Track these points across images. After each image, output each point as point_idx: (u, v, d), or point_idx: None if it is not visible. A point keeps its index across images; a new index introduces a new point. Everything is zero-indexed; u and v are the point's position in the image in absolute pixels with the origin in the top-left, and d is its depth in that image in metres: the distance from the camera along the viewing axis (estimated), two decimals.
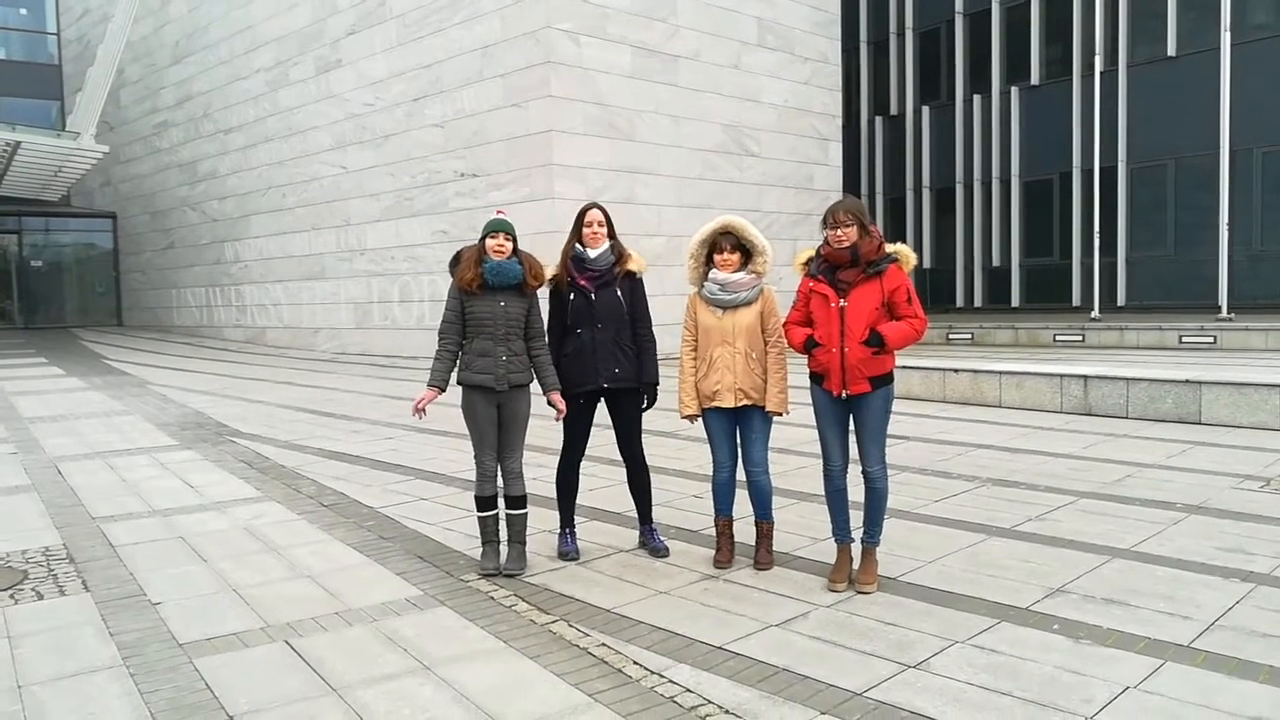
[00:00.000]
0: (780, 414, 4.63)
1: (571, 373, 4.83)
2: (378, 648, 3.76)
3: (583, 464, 5.07)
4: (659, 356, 5.00)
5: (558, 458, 5.09)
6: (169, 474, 7.39)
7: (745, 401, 4.59)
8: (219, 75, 23.38)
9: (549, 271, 4.91)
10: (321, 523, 5.80)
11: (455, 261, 4.74)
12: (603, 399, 4.93)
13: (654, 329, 4.98)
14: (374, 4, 18.49)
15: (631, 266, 4.88)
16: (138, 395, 12.86)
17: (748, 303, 4.62)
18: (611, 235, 4.90)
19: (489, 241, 4.63)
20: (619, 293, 4.83)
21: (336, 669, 3.56)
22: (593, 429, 5.03)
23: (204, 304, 25.25)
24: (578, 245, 4.88)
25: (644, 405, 4.94)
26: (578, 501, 5.14)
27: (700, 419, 4.74)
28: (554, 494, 5.10)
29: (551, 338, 4.92)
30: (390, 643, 3.81)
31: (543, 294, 4.84)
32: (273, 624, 4.05)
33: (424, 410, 4.70)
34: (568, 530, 5.03)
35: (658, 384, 4.92)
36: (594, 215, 4.86)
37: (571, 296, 4.84)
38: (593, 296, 4.80)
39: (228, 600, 4.38)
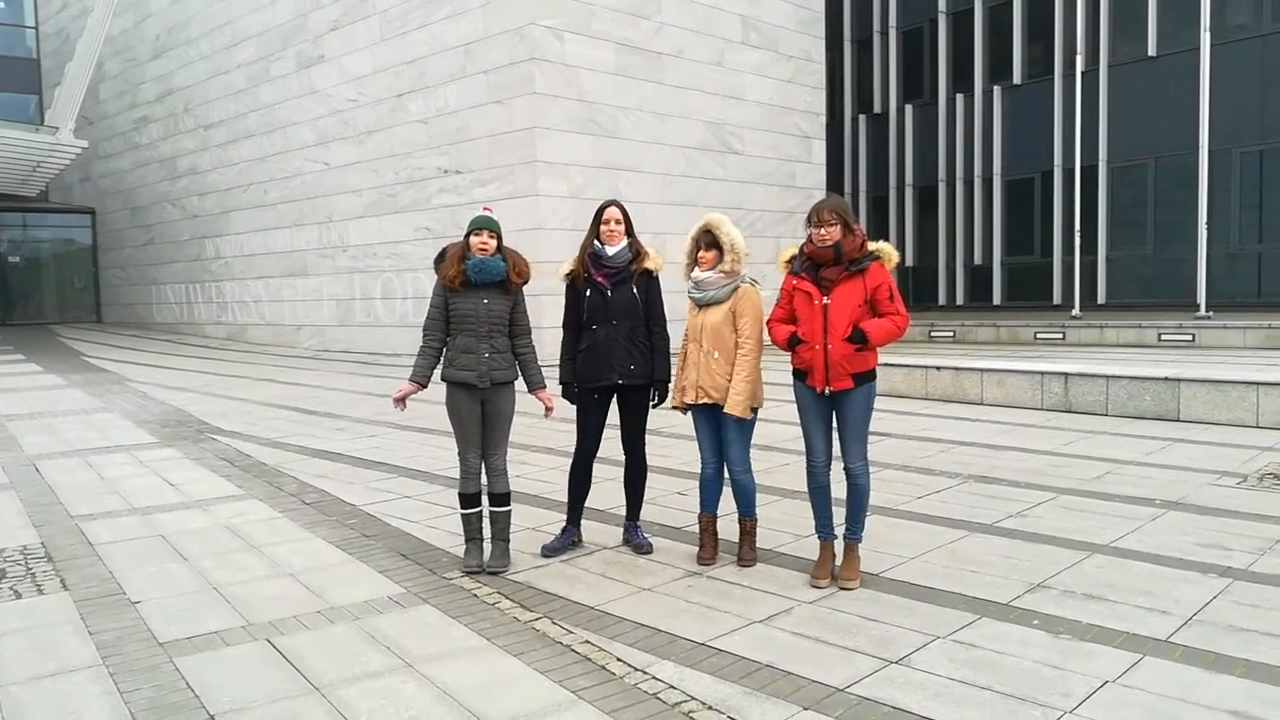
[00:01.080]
0: (738, 416, 4.53)
1: (587, 368, 4.85)
2: (360, 646, 3.75)
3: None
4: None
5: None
6: (149, 472, 7.33)
7: (705, 400, 4.60)
8: (199, 70, 23.18)
9: (565, 267, 4.94)
10: (303, 521, 5.77)
11: (440, 258, 4.73)
12: (615, 394, 4.94)
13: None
14: None
15: (648, 265, 4.89)
16: (117, 392, 12.75)
17: (717, 301, 4.63)
18: (629, 233, 4.92)
19: (473, 239, 4.62)
20: (635, 290, 4.85)
21: (319, 667, 3.54)
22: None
23: (184, 300, 25.05)
24: (596, 242, 4.89)
25: (654, 402, 4.97)
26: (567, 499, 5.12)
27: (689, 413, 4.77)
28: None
29: (567, 333, 4.96)
30: (373, 641, 3.80)
31: (557, 287, 4.82)
32: (254, 622, 4.03)
33: (404, 402, 4.70)
34: (570, 527, 5.03)
35: (669, 382, 4.93)
36: (612, 213, 4.87)
37: (588, 293, 4.86)
38: (608, 293, 4.82)
39: (208, 599, 4.35)
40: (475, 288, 4.62)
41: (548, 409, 4.87)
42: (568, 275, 4.96)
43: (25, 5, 31.76)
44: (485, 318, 4.62)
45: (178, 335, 24.51)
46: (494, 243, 4.64)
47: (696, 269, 4.67)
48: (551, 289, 5.02)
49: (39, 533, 5.56)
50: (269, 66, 20.84)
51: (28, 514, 6.03)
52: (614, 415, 4.98)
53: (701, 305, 4.67)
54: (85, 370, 16.10)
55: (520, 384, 4.78)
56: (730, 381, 4.55)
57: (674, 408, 4.81)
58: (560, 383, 4.96)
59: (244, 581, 4.59)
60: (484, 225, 4.63)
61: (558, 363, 5.01)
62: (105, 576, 4.70)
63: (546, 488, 6.34)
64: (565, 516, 5.11)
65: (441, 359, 4.74)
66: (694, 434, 4.86)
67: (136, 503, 6.29)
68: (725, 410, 4.54)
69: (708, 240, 4.63)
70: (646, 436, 5.07)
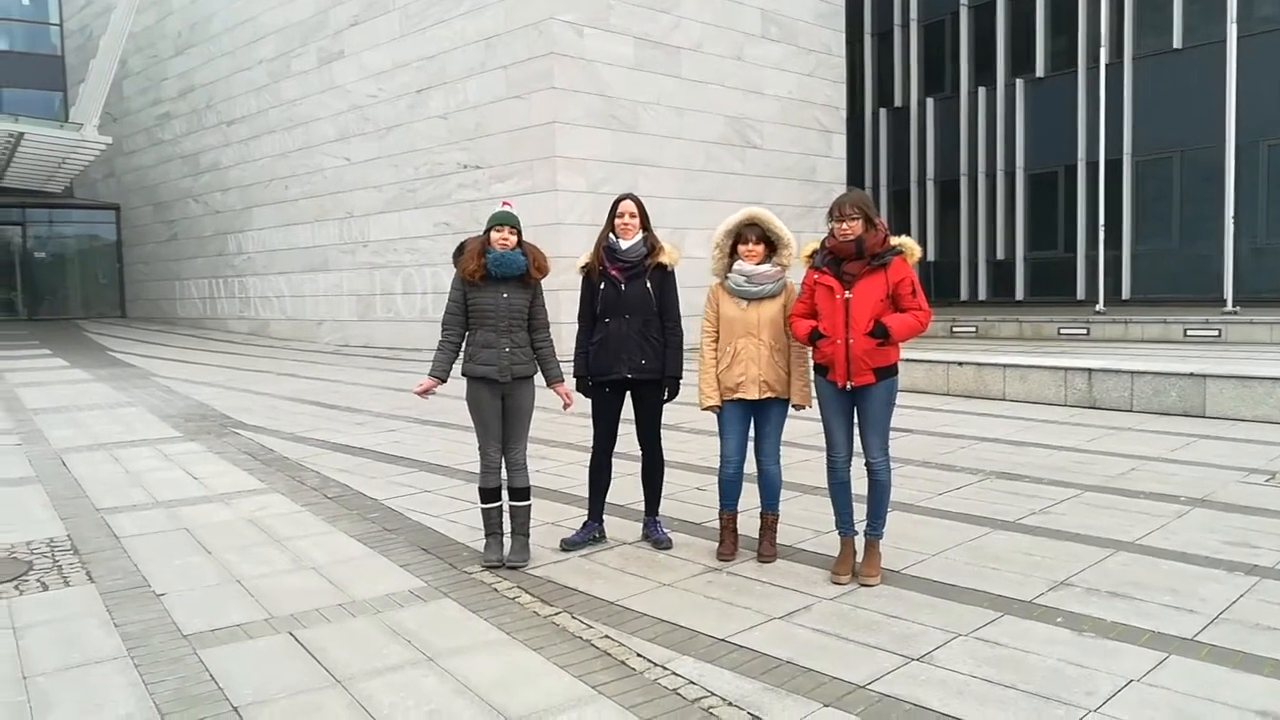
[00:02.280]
0: (804, 406, 4.63)
1: (598, 361, 4.86)
2: (381, 639, 3.77)
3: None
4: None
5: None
6: (173, 465, 7.40)
7: (769, 394, 4.57)
8: (221, 66, 23.34)
9: (582, 259, 4.96)
10: (325, 514, 5.80)
11: (459, 252, 4.73)
12: (628, 389, 4.93)
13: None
14: None
15: (663, 259, 4.87)
16: (141, 387, 12.87)
17: (772, 295, 4.60)
18: (645, 227, 4.91)
19: (493, 234, 4.62)
20: (648, 284, 4.84)
21: (340, 660, 3.56)
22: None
23: (207, 295, 25.27)
24: (611, 235, 4.88)
25: (664, 398, 4.95)
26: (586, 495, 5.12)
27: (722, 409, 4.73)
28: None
29: (581, 325, 4.97)
30: (394, 634, 3.81)
31: (575, 282, 4.82)
32: (277, 615, 4.05)
33: (429, 392, 4.70)
34: (591, 522, 5.03)
35: (680, 378, 4.91)
36: (626, 206, 4.86)
37: (602, 286, 4.86)
38: (622, 287, 4.82)
39: (232, 591, 4.38)
40: (495, 282, 4.62)
41: (566, 403, 4.87)
42: (584, 268, 4.97)
43: (50, 2, 32.07)
44: (505, 312, 4.62)
45: (201, 330, 24.73)
46: (514, 238, 4.64)
47: (741, 262, 4.61)
48: (568, 284, 5.04)
49: (65, 525, 5.62)
50: (290, 62, 20.95)
51: (54, 507, 6.10)
52: (631, 410, 4.98)
53: (752, 299, 4.60)
54: (110, 365, 16.27)
55: (539, 378, 4.78)
56: (790, 375, 4.59)
57: (708, 408, 4.69)
58: (574, 375, 4.96)
59: (266, 574, 4.63)
60: (504, 220, 4.63)
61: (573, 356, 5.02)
62: (130, 569, 4.74)
63: (566, 482, 6.35)
64: (585, 511, 5.12)
65: (461, 353, 4.75)
66: (716, 430, 4.81)
67: (161, 496, 6.35)
68: (793, 401, 4.60)
69: (756, 234, 4.60)
70: (665, 431, 5.06)
